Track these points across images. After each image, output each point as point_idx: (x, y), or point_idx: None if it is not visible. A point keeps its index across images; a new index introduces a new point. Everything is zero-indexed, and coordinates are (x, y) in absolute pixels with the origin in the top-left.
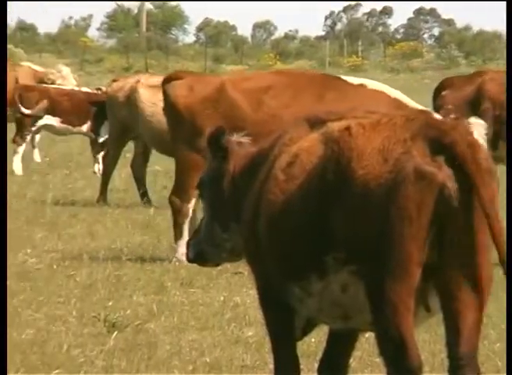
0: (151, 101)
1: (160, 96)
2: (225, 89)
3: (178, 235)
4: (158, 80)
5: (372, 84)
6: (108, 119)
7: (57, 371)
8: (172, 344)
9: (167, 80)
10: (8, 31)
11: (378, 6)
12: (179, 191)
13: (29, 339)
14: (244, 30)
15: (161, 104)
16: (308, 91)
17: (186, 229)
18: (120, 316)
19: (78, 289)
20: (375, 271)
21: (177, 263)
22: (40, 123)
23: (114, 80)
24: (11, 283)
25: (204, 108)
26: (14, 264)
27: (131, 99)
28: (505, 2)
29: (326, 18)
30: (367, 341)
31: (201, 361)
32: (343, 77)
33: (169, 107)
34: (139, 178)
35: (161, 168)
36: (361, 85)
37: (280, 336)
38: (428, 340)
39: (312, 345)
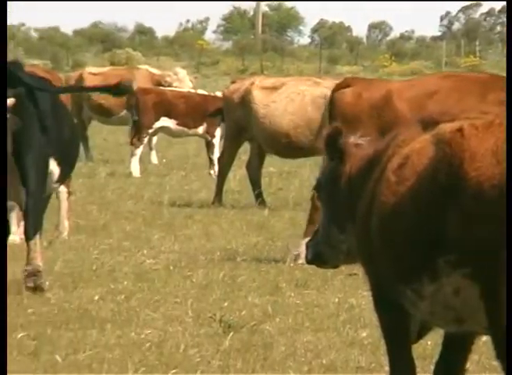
0: (264, 103)
1: (273, 98)
2: (390, 97)
3: (308, 232)
4: (272, 81)
5: None
6: (225, 121)
7: (174, 371)
8: (287, 345)
9: (338, 87)
10: (127, 34)
11: (497, 5)
12: None
13: (147, 339)
14: (359, 31)
15: (273, 105)
16: (472, 94)
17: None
18: (236, 316)
19: (194, 290)
20: (489, 274)
21: (292, 264)
22: (157, 125)
23: (233, 82)
24: (129, 283)
25: (370, 116)
26: (132, 264)
27: (245, 101)
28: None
29: (442, 18)
30: (484, 344)
31: (317, 362)
32: None
33: (337, 113)
34: (254, 179)
35: (276, 169)
36: None
37: (395, 338)
38: None
39: (428, 348)
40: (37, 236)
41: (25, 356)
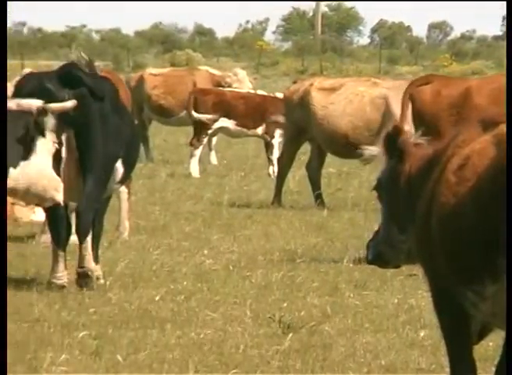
0: (322, 104)
1: (331, 99)
2: (470, 94)
3: None
4: (330, 82)
5: None
6: (285, 121)
7: (234, 371)
8: (346, 345)
9: (417, 84)
10: (187, 36)
11: None
12: None
13: (207, 339)
14: (419, 31)
15: (331, 107)
16: None
17: None
18: (295, 317)
19: (253, 290)
20: None
21: (350, 265)
22: (216, 125)
23: (294, 82)
24: (188, 283)
25: (450, 114)
26: (191, 265)
27: (304, 102)
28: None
29: (504, 17)
30: None
31: (376, 363)
32: None
33: (416, 112)
34: (314, 180)
35: (335, 170)
36: None
37: (455, 339)
38: None
39: (490, 349)
40: (89, 239)
41: (87, 355)
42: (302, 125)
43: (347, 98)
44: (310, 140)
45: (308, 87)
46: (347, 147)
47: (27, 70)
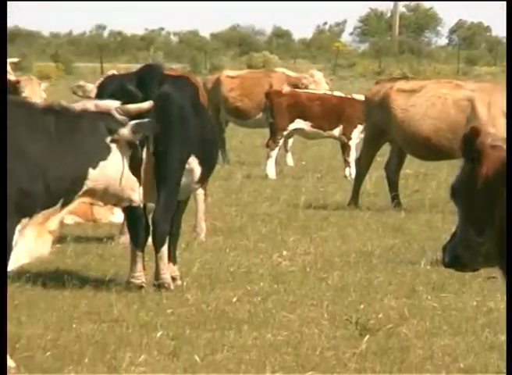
0: (402, 107)
1: (412, 101)
2: None
3: None
4: (410, 85)
5: None
6: (365, 123)
7: (311, 372)
8: (424, 348)
9: None
10: (264, 38)
11: None
12: None
13: (284, 340)
14: (499, 31)
15: (412, 109)
16: None
17: None
18: (372, 319)
19: (330, 292)
20: None
21: (428, 267)
22: (292, 127)
23: (377, 83)
24: (265, 285)
25: None
26: (268, 266)
27: (384, 104)
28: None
29: None
30: None
31: (455, 366)
32: None
33: None
34: (392, 181)
35: (412, 171)
36: None
37: None
38: None
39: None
40: (164, 249)
41: (165, 356)
42: (382, 127)
43: (429, 101)
44: (390, 141)
45: (388, 89)
46: (429, 149)
47: (110, 72)
